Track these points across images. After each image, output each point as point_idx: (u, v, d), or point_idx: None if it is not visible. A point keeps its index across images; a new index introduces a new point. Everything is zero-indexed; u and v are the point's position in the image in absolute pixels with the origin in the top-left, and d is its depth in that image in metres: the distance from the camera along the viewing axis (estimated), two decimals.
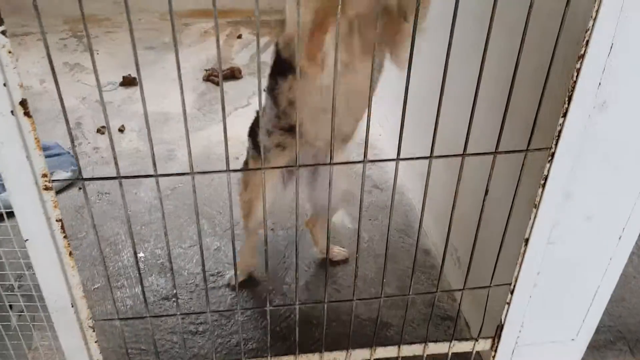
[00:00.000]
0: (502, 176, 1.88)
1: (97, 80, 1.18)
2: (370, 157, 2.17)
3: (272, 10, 5.58)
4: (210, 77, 4.18)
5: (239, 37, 4.98)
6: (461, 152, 1.47)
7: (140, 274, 1.50)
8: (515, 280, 1.73)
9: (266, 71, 4.52)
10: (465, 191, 2.18)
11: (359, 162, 1.43)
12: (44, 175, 1.32)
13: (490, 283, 1.76)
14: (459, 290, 1.79)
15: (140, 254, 2.59)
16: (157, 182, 1.39)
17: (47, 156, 3.18)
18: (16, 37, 4.71)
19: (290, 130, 1.98)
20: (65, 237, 1.42)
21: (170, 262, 1.51)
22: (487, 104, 1.97)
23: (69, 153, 3.22)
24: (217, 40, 1.19)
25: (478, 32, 2.00)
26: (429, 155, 1.46)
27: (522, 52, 1.31)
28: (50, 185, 1.33)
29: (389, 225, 1.59)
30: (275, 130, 2.02)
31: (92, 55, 1.16)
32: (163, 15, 5.26)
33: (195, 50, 4.68)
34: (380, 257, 2.61)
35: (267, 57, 4.55)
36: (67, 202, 2.88)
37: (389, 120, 3.46)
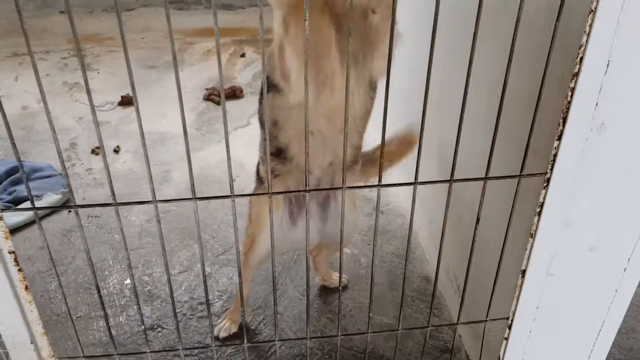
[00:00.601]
0: (501, 202, 1.77)
1: (91, 102, 1.09)
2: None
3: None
4: (211, 96, 4.11)
5: (243, 55, 4.92)
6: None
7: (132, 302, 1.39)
8: (513, 315, 1.60)
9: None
10: (467, 217, 2.07)
11: (374, 186, 1.31)
12: None
13: (487, 317, 1.63)
14: (453, 324, 1.66)
15: (127, 281, 2.49)
16: (156, 207, 1.29)
17: (38, 178, 3.13)
18: (18, 57, 4.68)
19: (279, 154, 1.80)
20: (19, 270, 1.32)
21: (170, 291, 1.39)
22: (486, 126, 1.87)
23: (60, 174, 3.15)
24: (219, 58, 1.09)
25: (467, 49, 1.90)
26: (413, 180, 1.34)
27: (518, 72, 1.21)
28: None
29: (373, 258, 1.48)
30: (265, 157, 1.89)
31: (84, 73, 1.07)
32: (167, 34, 5.18)
33: (198, 69, 4.62)
34: (379, 284, 2.49)
35: None
36: (55, 226, 2.80)
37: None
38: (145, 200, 1.32)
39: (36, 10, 5.54)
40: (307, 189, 1.31)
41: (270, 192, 1.27)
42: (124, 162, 3.34)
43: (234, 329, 2.24)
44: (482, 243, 1.72)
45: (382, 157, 1.30)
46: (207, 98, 4.11)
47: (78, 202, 2.97)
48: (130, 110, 3.92)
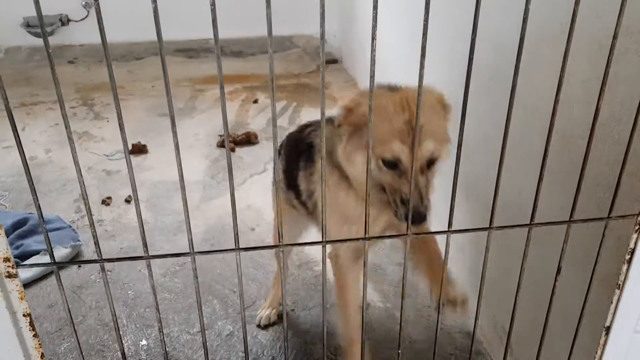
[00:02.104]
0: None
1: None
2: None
3: (289, 74, 5.44)
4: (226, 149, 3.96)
5: (255, 101, 4.80)
6: (527, 222, 1.18)
7: None
8: None
9: (282, 136, 4.30)
10: (517, 265, 1.87)
11: (443, 232, 1.14)
12: (6, 260, 1.04)
13: None
14: None
15: (143, 342, 2.28)
16: (149, 266, 1.11)
17: (46, 230, 2.94)
18: (25, 107, 4.56)
19: None
20: (35, 335, 1.13)
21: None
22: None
23: (70, 227, 2.97)
24: (223, 98, 0.93)
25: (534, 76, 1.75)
26: (488, 226, 1.16)
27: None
28: (14, 272, 1.06)
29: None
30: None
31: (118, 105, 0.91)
32: (177, 82, 5.11)
33: (209, 115, 4.49)
34: (417, 341, 2.28)
35: (285, 122, 4.39)
36: (64, 282, 2.56)
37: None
38: (182, 252, 1.14)
39: (43, 61, 5.46)
40: (367, 236, 1.13)
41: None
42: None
43: (274, 317, 2.39)
44: (541, 295, 1.54)
45: (453, 200, 1.12)
46: (221, 145, 3.96)
47: (88, 256, 2.81)
48: (142, 158, 3.76)
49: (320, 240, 1.14)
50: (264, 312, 2.40)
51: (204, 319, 2.39)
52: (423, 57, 0.97)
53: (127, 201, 3.27)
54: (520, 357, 1.99)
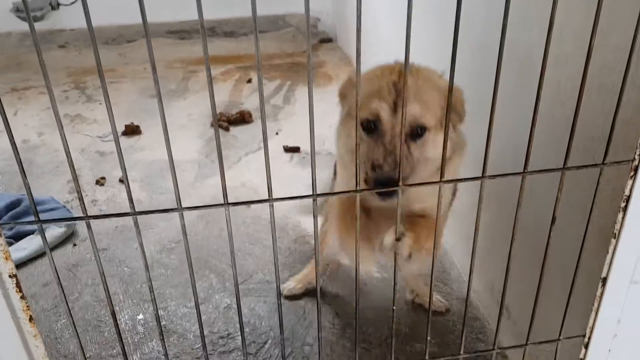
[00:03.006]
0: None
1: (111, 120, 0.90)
2: None
3: (283, 53, 5.40)
4: (219, 122, 3.93)
5: (249, 81, 4.76)
6: (521, 170, 1.16)
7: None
8: (591, 331, 1.39)
9: (277, 114, 4.25)
10: (509, 222, 1.86)
11: (435, 182, 1.12)
12: None
13: (560, 335, 1.41)
14: (522, 346, 1.45)
15: (140, 316, 2.27)
16: (182, 216, 1.10)
17: (40, 211, 2.92)
18: (17, 92, 4.52)
19: None
20: (22, 297, 1.11)
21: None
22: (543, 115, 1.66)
23: (64, 207, 2.95)
24: (208, 69, 0.91)
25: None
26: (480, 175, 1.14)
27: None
28: None
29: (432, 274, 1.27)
30: None
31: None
32: (169, 63, 5.07)
33: (203, 96, 4.45)
34: (416, 309, 2.27)
35: (279, 100, 4.36)
36: (59, 260, 2.59)
37: None
38: (170, 208, 1.12)
39: (34, 46, 5.42)
40: (357, 188, 1.11)
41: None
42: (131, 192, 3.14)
43: (298, 292, 2.38)
44: (538, 253, 1.52)
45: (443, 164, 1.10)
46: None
47: (84, 235, 2.79)
48: (135, 139, 3.73)
49: (311, 193, 1.12)
50: (291, 284, 2.39)
51: (202, 293, 2.39)
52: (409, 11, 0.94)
53: (121, 181, 3.24)
54: (517, 319, 1.98)
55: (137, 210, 1.10)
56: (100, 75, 0.92)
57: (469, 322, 2.22)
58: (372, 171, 1.43)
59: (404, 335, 2.16)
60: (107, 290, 1.14)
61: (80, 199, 1.05)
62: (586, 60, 1.06)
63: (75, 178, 1.01)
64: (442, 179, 1.13)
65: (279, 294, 1.21)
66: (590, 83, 1.31)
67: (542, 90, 1.07)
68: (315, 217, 1.15)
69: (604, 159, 1.16)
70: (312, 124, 1.03)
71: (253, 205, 3.02)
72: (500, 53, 1.01)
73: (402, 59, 1.02)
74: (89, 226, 1.09)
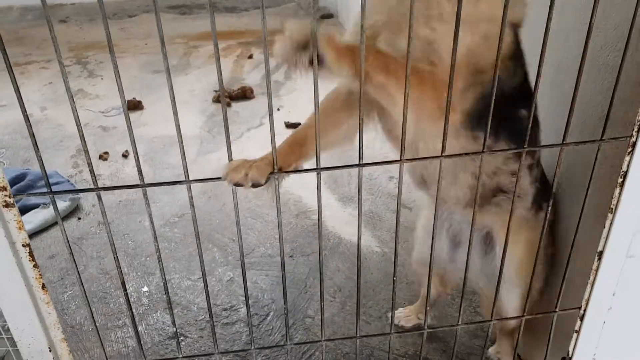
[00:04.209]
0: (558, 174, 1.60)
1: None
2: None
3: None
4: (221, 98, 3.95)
5: (250, 57, 4.77)
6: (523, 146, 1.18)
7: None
8: (587, 304, 1.43)
9: (279, 90, 4.27)
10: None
11: (394, 161, 1.15)
12: (3, 189, 1.04)
13: (556, 307, 1.45)
14: (519, 317, 1.49)
15: (145, 288, 2.31)
16: (189, 188, 1.13)
17: (44, 185, 2.95)
18: (19, 67, 4.53)
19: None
20: (35, 265, 1.15)
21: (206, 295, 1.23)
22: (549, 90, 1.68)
23: (68, 181, 2.98)
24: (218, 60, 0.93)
25: None
26: (481, 150, 1.17)
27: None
28: (11, 201, 1.06)
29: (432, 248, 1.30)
30: None
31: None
32: (171, 39, 5.06)
33: (205, 72, 4.46)
34: (413, 283, 2.31)
35: (281, 77, 4.36)
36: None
37: None
38: (178, 180, 1.15)
39: (35, 20, 5.41)
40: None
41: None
42: (134, 167, 3.16)
43: (414, 322, 2.12)
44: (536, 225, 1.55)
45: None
46: (217, 100, 3.95)
47: (88, 209, 2.83)
48: (137, 114, 3.76)
49: (315, 167, 1.14)
50: (402, 314, 2.17)
51: (205, 266, 2.42)
52: None
53: (125, 156, 3.27)
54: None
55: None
56: (111, 51, 0.94)
57: (468, 296, 2.26)
58: None
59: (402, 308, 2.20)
60: (117, 259, 1.17)
61: (91, 171, 1.08)
62: (586, 38, 1.08)
63: (86, 150, 1.03)
64: (443, 153, 1.16)
65: (283, 264, 1.24)
66: (590, 59, 1.33)
67: (543, 67, 1.09)
68: (319, 189, 1.17)
69: (602, 135, 1.18)
70: (316, 97, 1.05)
71: None
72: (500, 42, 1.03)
73: None
74: (99, 198, 1.12)
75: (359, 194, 1.17)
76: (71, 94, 0.97)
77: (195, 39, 5.12)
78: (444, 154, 1.15)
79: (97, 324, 2.14)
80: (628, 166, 1.22)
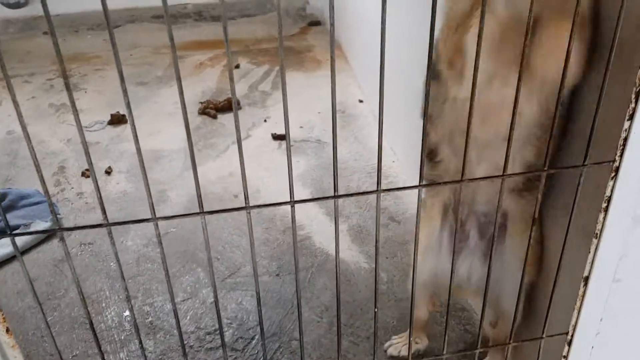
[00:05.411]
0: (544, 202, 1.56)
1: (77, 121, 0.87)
2: (384, 186, 1.84)
3: (270, 37, 5.34)
4: (206, 110, 3.89)
5: (237, 66, 4.71)
6: (500, 173, 1.14)
7: None
8: (574, 329, 1.39)
9: (266, 101, 4.23)
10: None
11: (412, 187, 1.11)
12: None
13: (543, 333, 1.40)
14: (505, 345, 1.44)
15: (126, 313, 2.26)
16: (157, 226, 1.10)
17: (25, 205, 2.90)
18: (1, 80, 4.47)
19: (431, 158, 1.53)
20: None
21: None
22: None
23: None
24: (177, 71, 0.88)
25: None
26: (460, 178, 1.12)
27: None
28: None
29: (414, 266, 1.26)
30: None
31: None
32: (156, 49, 5.01)
33: (190, 82, 4.40)
34: (402, 300, 2.27)
35: (268, 87, 4.31)
36: (46, 255, 2.57)
37: (402, 144, 3.15)
38: (144, 218, 1.10)
39: (18, 33, 5.34)
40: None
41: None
42: (117, 184, 3.12)
43: (413, 348, 2.03)
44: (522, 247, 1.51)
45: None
46: (202, 112, 3.90)
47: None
48: (121, 128, 3.70)
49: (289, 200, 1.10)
50: (398, 344, 2.08)
51: (188, 287, 2.38)
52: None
53: (107, 172, 3.22)
54: (509, 308, 1.97)
55: (125, 201, 1.07)
56: (117, 60, 0.89)
57: (457, 313, 2.22)
58: None
59: (392, 328, 2.16)
60: (83, 300, 1.12)
61: (53, 212, 1.03)
62: (565, 59, 1.04)
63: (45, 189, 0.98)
64: (421, 183, 1.11)
65: (258, 294, 1.19)
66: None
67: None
68: (293, 222, 1.13)
69: (584, 160, 1.14)
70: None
71: (240, 196, 3.00)
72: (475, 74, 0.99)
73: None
74: (62, 239, 1.08)
75: (336, 231, 1.12)
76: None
77: (181, 49, 5.06)
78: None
79: (78, 352, 2.10)
80: (612, 191, 1.18)
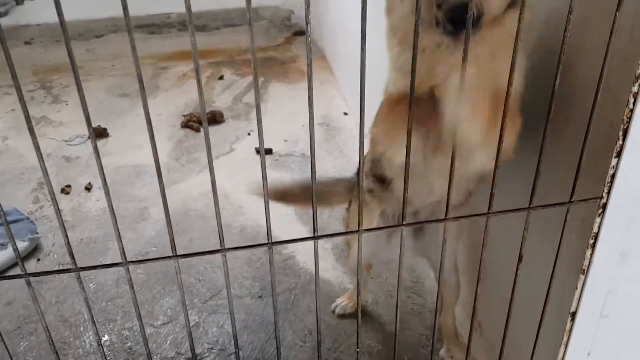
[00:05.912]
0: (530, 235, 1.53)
1: None
2: None
3: (256, 47, 5.29)
4: (189, 123, 3.85)
5: (221, 78, 4.67)
6: (485, 211, 1.11)
7: None
8: None
9: (250, 114, 4.19)
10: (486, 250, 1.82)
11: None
12: None
13: None
14: None
15: (105, 337, 2.21)
16: (127, 270, 1.04)
17: (1, 224, 2.83)
18: None
19: (381, 181, 1.68)
20: None
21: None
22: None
23: (28, 219, 2.86)
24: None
25: None
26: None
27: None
28: None
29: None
30: (368, 175, 1.72)
31: None
32: (139, 59, 4.94)
33: (173, 94, 4.36)
34: (388, 322, 2.23)
35: (252, 99, 4.27)
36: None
37: None
38: (114, 262, 1.06)
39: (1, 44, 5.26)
40: (404, 222, 1.07)
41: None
42: (97, 201, 3.06)
43: (350, 310, 2.27)
44: (509, 279, 1.48)
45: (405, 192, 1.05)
46: (185, 125, 3.85)
47: (48, 249, 2.71)
48: (102, 142, 3.63)
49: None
50: (342, 302, 2.31)
51: (168, 310, 2.33)
52: None
53: (87, 189, 3.16)
54: (492, 337, 1.95)
55: (105, 219, 1.03)
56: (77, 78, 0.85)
57: (442, 335, 2.18)
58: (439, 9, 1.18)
59: (376, 353, 2.12)
60: (52, 344, 1.08)
61: (18, 256, 0.99)
62: (551, 96, 1.01)
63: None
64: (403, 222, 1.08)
65: (234, 322, 1.15)
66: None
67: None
68: (271, 264, 1.09)
69: (571, 196, 1.11)
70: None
71: (223, 213, 2.95)
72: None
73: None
74: (29, 284, 1.03)
75: (315, 276, 1.08)
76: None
77: (165, 59, 5.02)
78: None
79: None
80: (599, 227, 1.16)
